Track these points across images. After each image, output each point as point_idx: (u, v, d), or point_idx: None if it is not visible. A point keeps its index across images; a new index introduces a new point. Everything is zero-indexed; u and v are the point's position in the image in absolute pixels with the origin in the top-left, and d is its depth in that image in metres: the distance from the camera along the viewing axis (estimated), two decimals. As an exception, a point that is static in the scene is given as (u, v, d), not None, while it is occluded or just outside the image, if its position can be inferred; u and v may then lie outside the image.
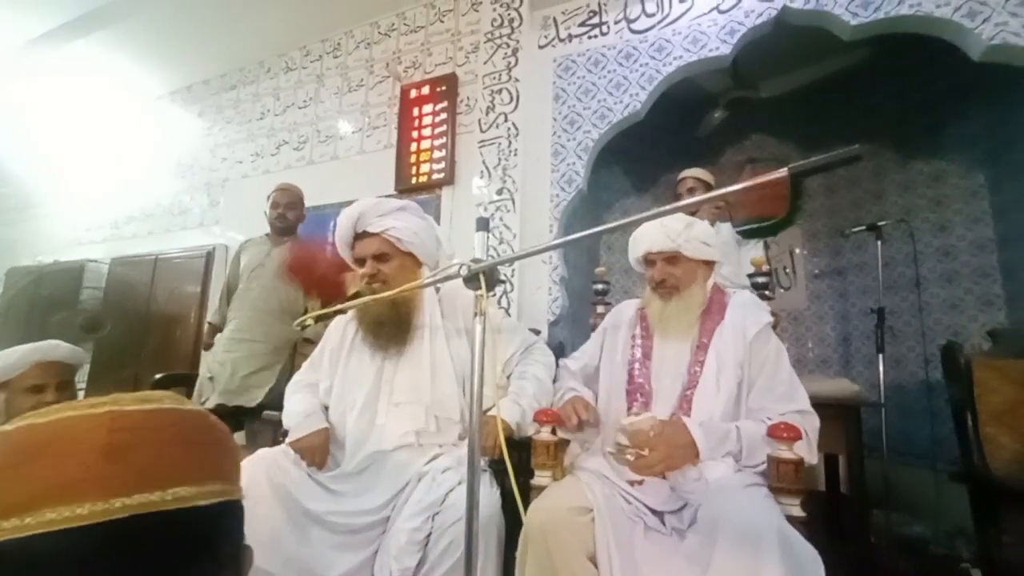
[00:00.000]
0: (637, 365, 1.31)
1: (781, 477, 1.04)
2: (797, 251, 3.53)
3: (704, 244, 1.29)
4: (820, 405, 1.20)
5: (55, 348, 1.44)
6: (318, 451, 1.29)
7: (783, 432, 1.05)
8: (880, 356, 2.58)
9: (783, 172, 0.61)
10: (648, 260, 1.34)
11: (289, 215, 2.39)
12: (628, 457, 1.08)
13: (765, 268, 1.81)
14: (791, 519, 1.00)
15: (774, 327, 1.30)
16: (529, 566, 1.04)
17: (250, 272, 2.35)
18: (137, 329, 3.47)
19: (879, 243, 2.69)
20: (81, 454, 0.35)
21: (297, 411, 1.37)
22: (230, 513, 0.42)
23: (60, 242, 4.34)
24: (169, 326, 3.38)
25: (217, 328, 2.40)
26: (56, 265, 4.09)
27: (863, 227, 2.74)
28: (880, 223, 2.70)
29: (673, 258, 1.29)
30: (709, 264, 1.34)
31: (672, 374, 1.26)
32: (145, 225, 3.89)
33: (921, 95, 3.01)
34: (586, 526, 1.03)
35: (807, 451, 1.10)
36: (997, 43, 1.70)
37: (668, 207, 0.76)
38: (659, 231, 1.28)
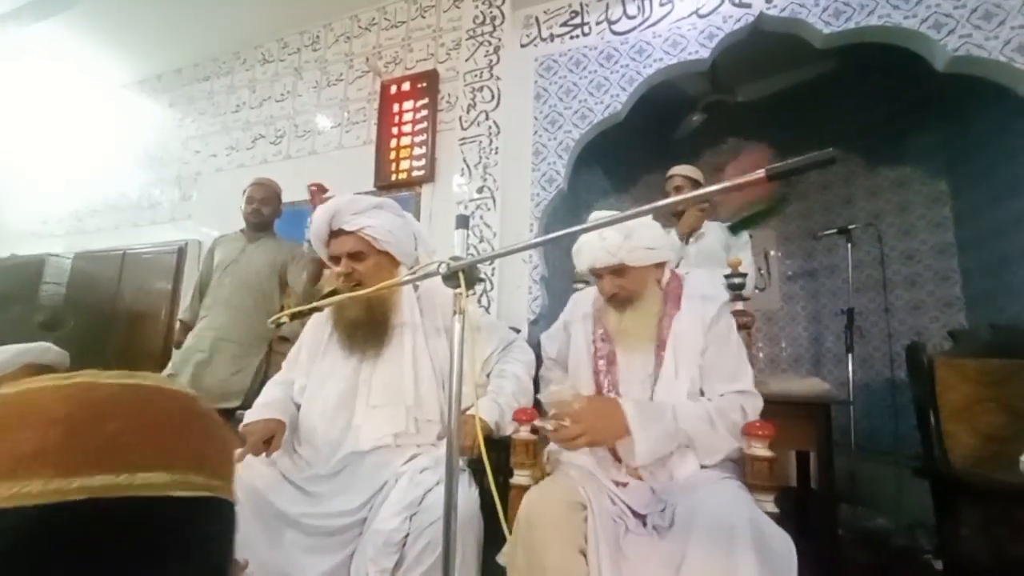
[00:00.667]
0: (603, 374, 1.28)
1: (755, 474, 1.07)
2: (772, 253, 3.63)
3: (648, 249, 1.21)
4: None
5: (46, 352, 1.41)
6: (259, 436, 1.20)
7: (758, 430, 1.07)
8: (849, 356, 2.66)
9: (760, 173, 0.63)
10: (595, 274, 1.28)
11: (264, 210, 2.33)
12: (548, 427, 1.09)
13: (742, 269, 1.84)
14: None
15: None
16: (518, 557, 1.03)
17: (224, 268, 2.29)
18: (102, 327, 3.33)
19: (849, 246, 2.78)
20: (40, 426, 0.31)
21: (257, 402, 1.36)
22: (214, 513, 0.36)
23: (17, 235, 4.13)
24: (137, 324, 3.24)
25: (189, 326, 2.33)
26: (13, 259, 3.89)
27: (834, 230, 2.83)
28: (850, 227, 2.80)
29: (619, 270, 1.23)
30: (660, 265, 1.29)
31: (640, 378, 1.24)
32: (111, 218, 3.73)
33: (887, 105, 3.13)
34: (578, 520, 1.03)
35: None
36: (961, 54, 1.77)
37: (646, 207, 0.76)
38: (599, 246, 1.21)
